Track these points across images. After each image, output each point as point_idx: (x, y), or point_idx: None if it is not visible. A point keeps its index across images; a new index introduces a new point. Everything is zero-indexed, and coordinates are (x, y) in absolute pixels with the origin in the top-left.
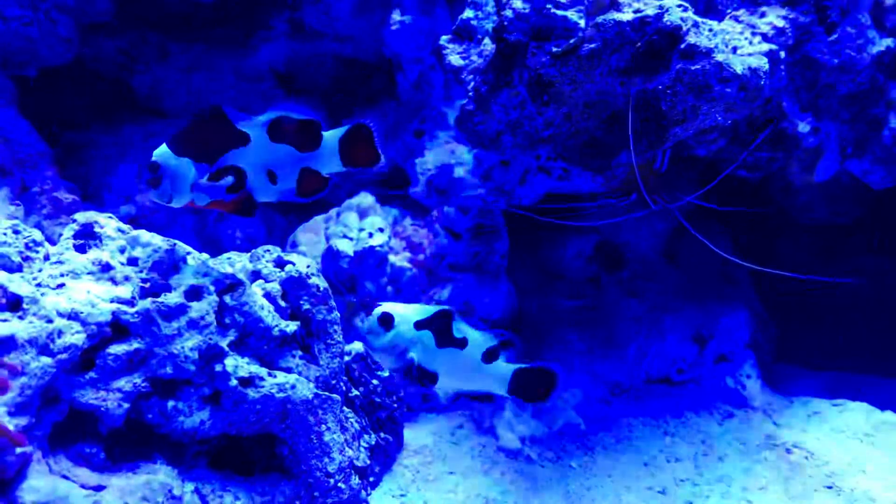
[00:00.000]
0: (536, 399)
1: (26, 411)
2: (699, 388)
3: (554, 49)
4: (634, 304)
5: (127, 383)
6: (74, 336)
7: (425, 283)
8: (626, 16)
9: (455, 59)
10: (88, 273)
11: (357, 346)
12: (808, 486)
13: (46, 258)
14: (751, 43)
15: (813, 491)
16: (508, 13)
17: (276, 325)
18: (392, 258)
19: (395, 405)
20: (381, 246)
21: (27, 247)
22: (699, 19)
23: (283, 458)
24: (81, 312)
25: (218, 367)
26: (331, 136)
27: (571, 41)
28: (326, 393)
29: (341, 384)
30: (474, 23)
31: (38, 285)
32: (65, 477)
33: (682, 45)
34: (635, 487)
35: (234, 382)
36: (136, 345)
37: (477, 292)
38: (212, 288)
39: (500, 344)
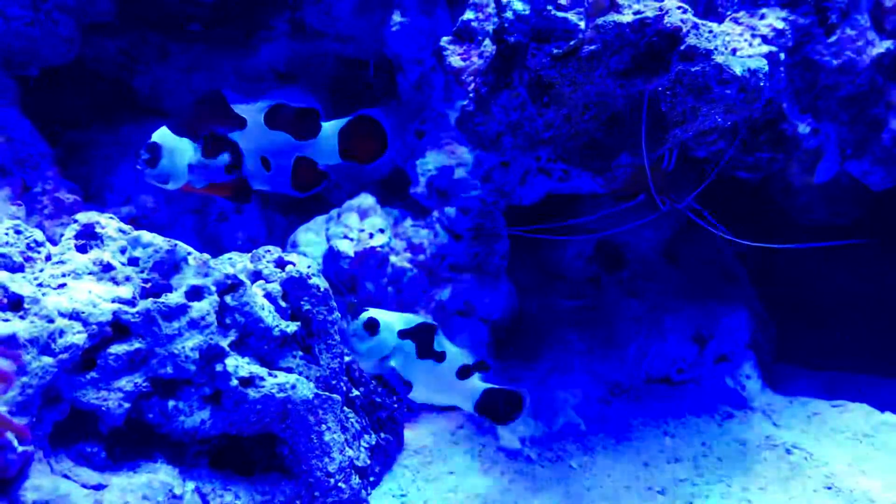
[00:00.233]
0: (501, 420)
1: (27, 411)
2: (699, 388)
3: (554, 51)
4: (635, 304)
5: (128, 383)
6: (76, 336)
7: (426, 283)
8: (626, 17)
9: (455, 61)
10: (90, 273)
11: None
12: (808, 486)
13: (48, 258)
14: (750, 45)
15: (812, 491)
16: (509, 15)
17: (277, 326)
18: (393, 259)
19: (396, 405)
20: (381, 246)
21: (29, 247)
22: (699, 21)
23: (283, 458)
24: (83, 312)
25: (218, 367)
26: (331, 126)
27: (571, 43)
28: (327, 393)
29: (342, 384)
30: (475, 24)
31: (40, 285)
32: (66, 476)
33: (682, 47)
34: (635, 487)
35: (234, 382)
36: (136, 345)
37: (477, 292)
38: (213, 288)
39: (476, 364)
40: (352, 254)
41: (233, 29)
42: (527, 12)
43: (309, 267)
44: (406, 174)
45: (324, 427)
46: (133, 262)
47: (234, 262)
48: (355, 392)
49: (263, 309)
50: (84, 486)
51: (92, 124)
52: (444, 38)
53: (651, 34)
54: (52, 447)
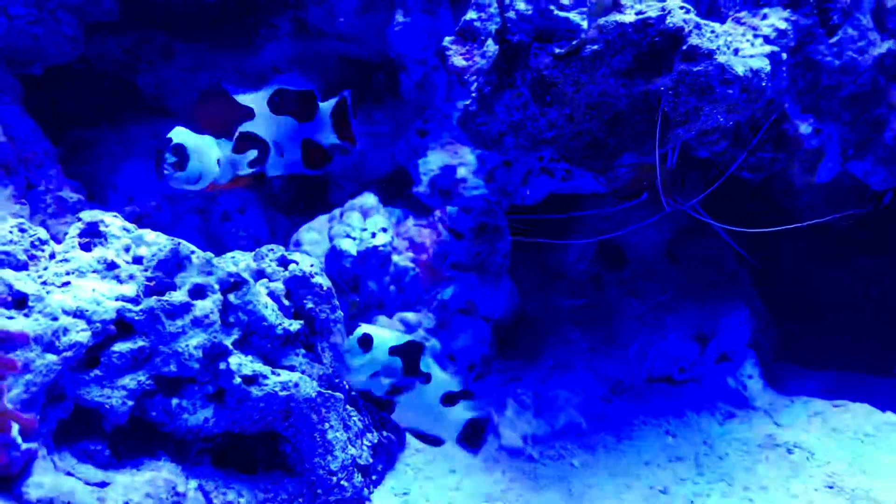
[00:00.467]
0: (474, 445)
1: (31, 408)
2: (700, 387)
3: (557, 50)
4: (636, 303)
5: (131, 381)
6: (80, 334)
7: (428, 282)
8: (629, 17)
9: (458, 60)
10: (94, 271)
11: None
12: (810, 485)
13: (52, 256)
14: (752, 45)
15: (814, 490)
16: (511, 14)
17: (280, 324)
18: (395, 258)
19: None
20: (384, 246)
21: (33, 245)
22: (701, 21)
23: (286, 456)
24: (87, 310)
25: (222, 365)
26: (325, 106)
27: (574, 42)
28: (329, 391)
29: (344, 382)
30: (477, 24)
31: (44, 283)
32: (69, 474)
33: (684, 47)
34: (636, 486)
35: (237, 380)
36: (140, 343)
37: (479, 291)
38: (216, 286)
39: (461, 392)
40: (354, 253)
41: (236, 28)
42: (529, 12)
43: (312, 266)
44: (408, 173)
45: (326, 425)
46: (137, 260)
47: (238, 261)
48: None
49: (267, 307)
50: (87, 483)
51: (95, 123)
52: (447, 38)
53: (653, 34)
54: (56, 445)
